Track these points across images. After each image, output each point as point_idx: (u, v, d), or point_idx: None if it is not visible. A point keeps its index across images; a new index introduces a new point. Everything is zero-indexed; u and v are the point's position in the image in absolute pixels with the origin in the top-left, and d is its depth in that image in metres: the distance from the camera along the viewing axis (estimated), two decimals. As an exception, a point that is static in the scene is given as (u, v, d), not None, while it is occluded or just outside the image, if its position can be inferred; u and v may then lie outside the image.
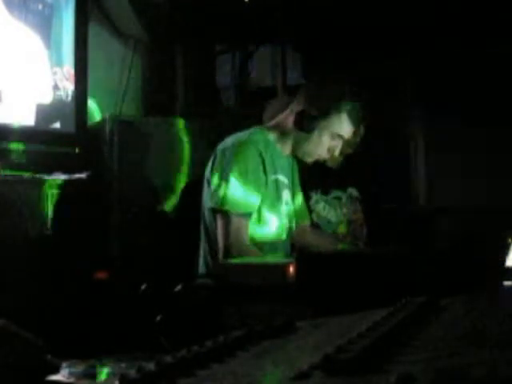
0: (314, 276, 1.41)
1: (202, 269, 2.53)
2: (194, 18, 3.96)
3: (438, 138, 4.24)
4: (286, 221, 2.62)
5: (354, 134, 2.70)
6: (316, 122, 2.56)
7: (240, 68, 4.54)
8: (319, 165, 2.67)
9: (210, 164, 2.58)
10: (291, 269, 1.45)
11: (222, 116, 3.94)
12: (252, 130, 2.64)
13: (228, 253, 2.40)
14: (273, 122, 2.71)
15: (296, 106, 2.61)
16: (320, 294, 1.39)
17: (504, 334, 0.75)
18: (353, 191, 2.96)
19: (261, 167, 2.52)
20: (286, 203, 2.64)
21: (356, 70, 4.25)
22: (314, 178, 2.78)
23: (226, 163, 2.49)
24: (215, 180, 2.49)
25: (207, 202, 2.54)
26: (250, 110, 4.36)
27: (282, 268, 1.46)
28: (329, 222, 2.92)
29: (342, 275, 1.40)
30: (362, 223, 2.96)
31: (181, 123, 3.45)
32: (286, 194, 2.65)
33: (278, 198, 2.60)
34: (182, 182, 3.34)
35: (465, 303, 1.03)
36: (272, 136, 2.63)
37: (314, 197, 2.92)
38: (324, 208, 2.92)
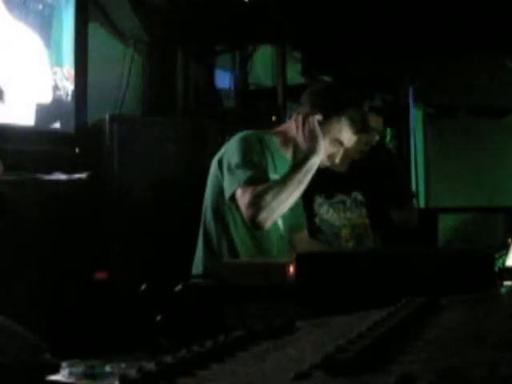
0: (314, 276, 1.41)
1: (197, 269, 2.48)
2: (194, 17, 3.96)
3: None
4: (280, 221, 2.57)
5: (359, 141, 2.65)
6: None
7: (240, 68, 4.54)
8: (324, 168, 2.65)
9: (215, 162, 2.54)
10: (291, 269, 1.45)
11: (222, 116, 3.94)
12: (259, 130, 2.62)
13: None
14: (280, 128, 2.69)
15: (301, 110, 2.57)
16: (320, 294, 1.39)
17: (504, 335, 0.75)
18: (358, 195, 2.94)
19: (263, 159, 2.45)
20: None
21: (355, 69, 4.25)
22: (318, 181, 2.77)
23: (230, 155, 2.44)
24: (222, 172, 2.43)
25: (214, 198, 2.49)
26: (249, 109, 4.37)
27: (282, 268, 1.47)
28: (332, 225, 2.89)
29: (342, 275, 1.40)
30: (366, 228, 2.95)
31: (181, 123, 3.46)
32: None
33: None
34: (182, 182, 3.34)
35: (465, 303, 1.03)
36: (276, 140, 2.58)
37: (318, 200, 2.90)
38: (327, 211, 2.90)
